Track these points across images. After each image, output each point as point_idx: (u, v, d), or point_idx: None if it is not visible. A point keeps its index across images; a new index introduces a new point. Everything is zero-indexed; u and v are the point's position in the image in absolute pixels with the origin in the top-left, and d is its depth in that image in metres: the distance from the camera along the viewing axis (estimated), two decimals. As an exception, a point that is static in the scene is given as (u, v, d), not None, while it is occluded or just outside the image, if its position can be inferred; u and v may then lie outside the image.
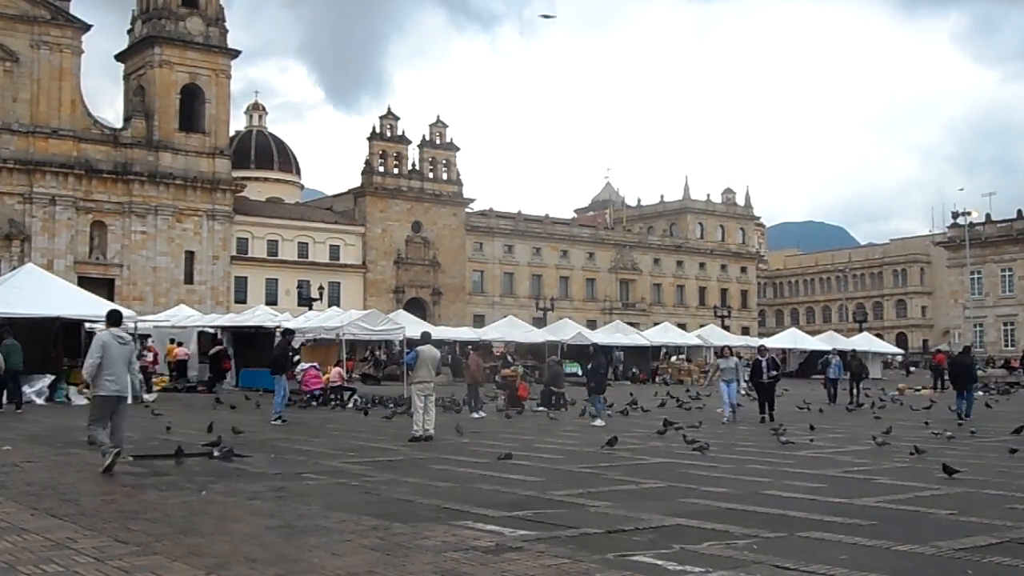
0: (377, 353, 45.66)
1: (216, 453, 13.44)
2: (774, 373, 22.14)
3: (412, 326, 35.31)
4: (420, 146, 79.45)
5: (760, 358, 22.33)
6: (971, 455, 14.94)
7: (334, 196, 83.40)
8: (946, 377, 42.75)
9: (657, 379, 49.23)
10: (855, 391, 28.99)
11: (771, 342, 52.49)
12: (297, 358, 31.90)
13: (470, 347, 42.44)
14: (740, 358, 24.14)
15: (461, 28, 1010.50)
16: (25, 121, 61.19)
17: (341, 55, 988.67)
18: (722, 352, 23.22)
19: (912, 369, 69.82)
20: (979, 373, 33.37)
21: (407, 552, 7.10)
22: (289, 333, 22.76)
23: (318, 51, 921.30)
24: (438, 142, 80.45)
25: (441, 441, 16.40)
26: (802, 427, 19.35)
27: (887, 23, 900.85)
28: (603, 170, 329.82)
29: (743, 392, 23.41)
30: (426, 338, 18.14)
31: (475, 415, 22.36)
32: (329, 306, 54.19)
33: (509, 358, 46.53)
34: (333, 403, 25.87)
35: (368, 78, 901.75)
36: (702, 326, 69.59)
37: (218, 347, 30.10)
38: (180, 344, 36.52)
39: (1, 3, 60.52)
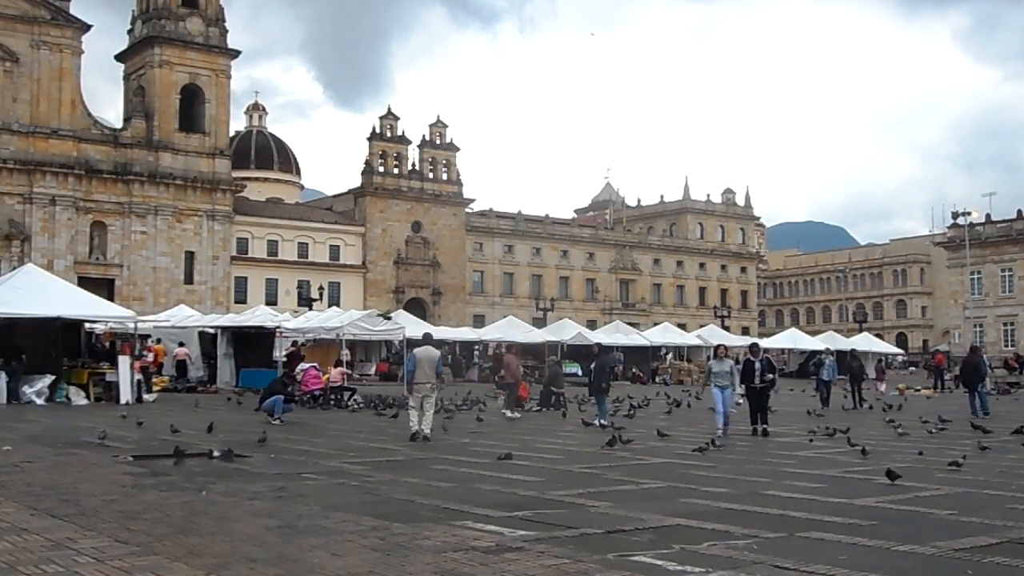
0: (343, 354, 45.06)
1: (216, 453, 13.45)
2: (769, 376, 19.15)
3: (412, 326, 35.36)
4: (420, 146, 79.48)
5: (752, 358, 19.03)
6: (970, 455, 14.93)
7: (334, 196, 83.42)
8: (946, 377, 43.14)
9: (657, 379, 49.29)
10: (856, 394, 28.20)
11: (771, 342, 52.56)
12: (297, 358, 31.98)
13: (500, 348, 42.40)
14: (737, 361, 21.30)
15: (461, 27, 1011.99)
16: (25, 121, 61.20)
17: (343, 53, 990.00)
18: (716, 352, 19.80)
19: (912, 369, 69.91)
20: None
21: (407, 552, 7.10)
22: (290, 379, 23.11)
23: (320, 50, 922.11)
24: (438, 142, 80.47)
25: (441, 441, 16.41)
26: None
27: (888, 22, 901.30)
28: (603, 170, 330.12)
29: (738, 401, 20.47)
30: (427, 339, 18.10)
31: (512, 415, 22.51)
32: (329, 306, 54.24)
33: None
34: (332, 403, 25.83)
35: (369, 77, 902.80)
36: (702, 326, 69.65)
37: (293, 348, 30.54)
38: (181, 344, 36.57)
39: (1, 3, 60.53)
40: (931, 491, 10.75)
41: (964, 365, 25.75)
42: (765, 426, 18.49)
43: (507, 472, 12.13)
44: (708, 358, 55.42)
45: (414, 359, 17.04)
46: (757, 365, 18.82)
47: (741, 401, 21.05)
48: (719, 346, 20.28)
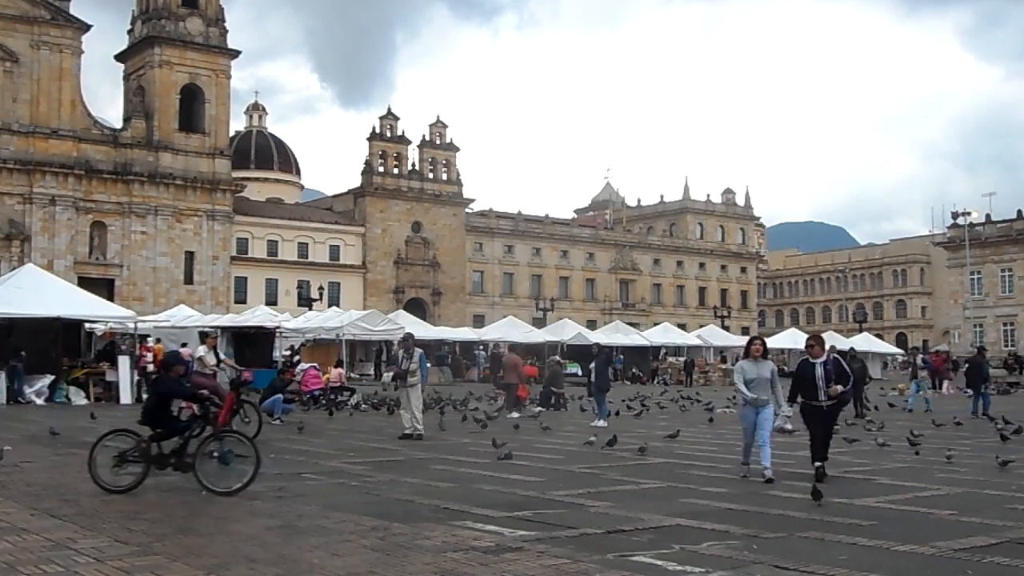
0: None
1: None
2: (839, 388, 11.37)
3: (412, 326, 35.32)
4: (420, 146, 79.42)
5: (812, 360, 11.60)
6: (971, 456, 14.94)
7: (334, 196, 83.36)
8: (944, 378, 43.09)
9: (657, 379, 49.27)
10: (859, 400, 23.74)
11: (771, 342, 52.29)
12: (297, 359, 32.05)
13: (500, 348, 42.29)
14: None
15: (461, 21, 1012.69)
16: (25, 121, 61.14)
17: (346, 51, 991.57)
18: (748, 349, 12.35)
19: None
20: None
21: (407, 552, 7.10)
22: (285, 371, 23.15)
23: (325, 48, 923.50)
24: (438, 142, 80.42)
25: (441, 441, 16.41)
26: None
27: (890, 21, 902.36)
28: (603, 170, 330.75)
29: (786, 427, 14.68)
30: (413, 339, 18.36)
31: (513, 414, 22.48)
32: (329, 306, 54.20)
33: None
34: (334, 404, 25.77)
35: (372, 74, 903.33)
36: (702, 326, 69.60)
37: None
38: (184, 345, 36.50)
39: (1, 3, 60.48)
40: (931, 491, 10.75)
41: (969, 366, 25.75)
42: (825, 459, 11.71)
43: (507, 472, 12.13)
44: (707, 359, 53.57)
45: (424, 358, 17.22)
46: (820, 371, 11.44)
47: (791, 427, 15.09)
48: (755, 339, 12.48)
